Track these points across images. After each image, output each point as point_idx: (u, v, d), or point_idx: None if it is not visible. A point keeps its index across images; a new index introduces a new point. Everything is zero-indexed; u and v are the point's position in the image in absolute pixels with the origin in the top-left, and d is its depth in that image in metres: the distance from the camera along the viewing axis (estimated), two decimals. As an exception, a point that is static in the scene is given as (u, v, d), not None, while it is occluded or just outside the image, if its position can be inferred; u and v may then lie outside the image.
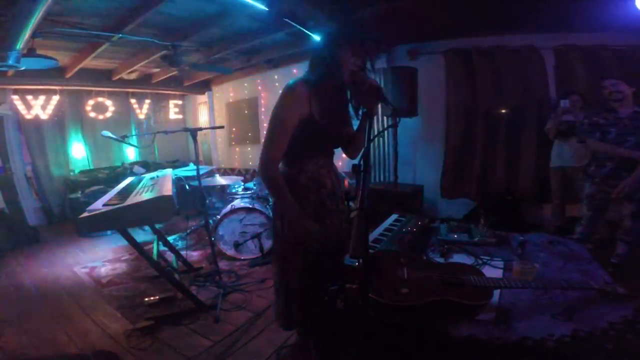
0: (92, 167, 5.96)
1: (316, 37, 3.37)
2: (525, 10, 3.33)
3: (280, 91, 1.38)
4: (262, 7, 2.59)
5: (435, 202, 4.45)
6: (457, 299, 1.04)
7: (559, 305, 1.10)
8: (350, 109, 1.48)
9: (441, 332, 1.00)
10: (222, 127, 3.13)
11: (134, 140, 5.44)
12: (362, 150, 0.98)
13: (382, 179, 4.62)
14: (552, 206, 3.70)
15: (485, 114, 4.04)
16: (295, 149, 1.39)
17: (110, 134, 3.08)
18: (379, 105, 3.50)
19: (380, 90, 1.28)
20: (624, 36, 3.36)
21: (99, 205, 2.26)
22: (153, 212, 2.24)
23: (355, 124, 1.53)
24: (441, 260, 1.54)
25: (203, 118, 7.09)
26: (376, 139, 4.48)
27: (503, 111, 4.02)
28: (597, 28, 3.44)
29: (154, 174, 3.36)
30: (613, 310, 1.02)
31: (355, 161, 0.99)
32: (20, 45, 3.02)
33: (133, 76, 5.50)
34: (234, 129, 6.30)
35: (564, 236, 2.92)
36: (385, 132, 4.42)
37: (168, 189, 2.38)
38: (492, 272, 1.40)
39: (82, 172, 5.76)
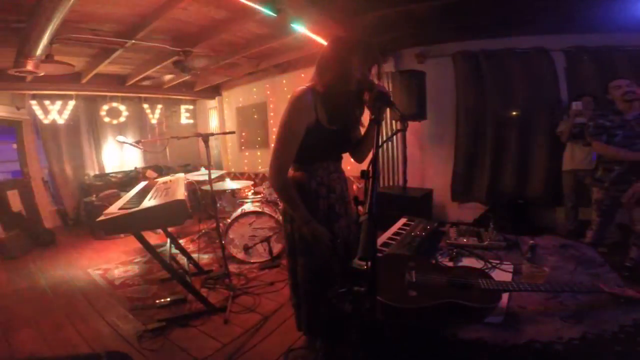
0: (106, 171, 6.10)
1: (324, 43, 3.40)
2: (535, 12, 3.31)
3: (289, 96, 1.40)
4: (270, 13, 2.63)
5: (445, 206, 4.42)
6: (465, 301, 1.05)
7: (569, 308, 1.09)
8: (357, 114, 1.50)
9: (449, 335, 1.00)
10: (232, 132, 3.19)
11: (147, 145, 5.55)
12: (371, 155, 1.00)
13: (391, 182, 4.60)
14: (565, 210, 3.64)
15: (495, 117, 4.01)
16: (306, 155, 1.41)
17: (125, 139, 3.17)
18: (387, 110, 3.50)
19: (387, 96, 1.30)
20: (636, 37, 3.31)
21: (115, 209, 2.33)
22: (167, 215, 2.30)
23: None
24: (450, 264, 1.54)
25: (213, 123, 7.19)
26: (385, 143, 4.49)
27: (513, 114, 3.98)
28: (608, 29, 3.39)
29: (166, 178, 3.43)
30: (624, 314, 1.01)
31: (364, 166, 1.01)
32: (38, 51, 3.13)
33: (147, 82, 5.63)
34: (243, 134, 6.37)
35: (577, 240, 2.88)
36: (394, 136, 4.41)
37: (181, 193, 2.44)
38: (502, 275, 1.39)
39: (96, 176, 5.90)
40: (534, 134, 3.89)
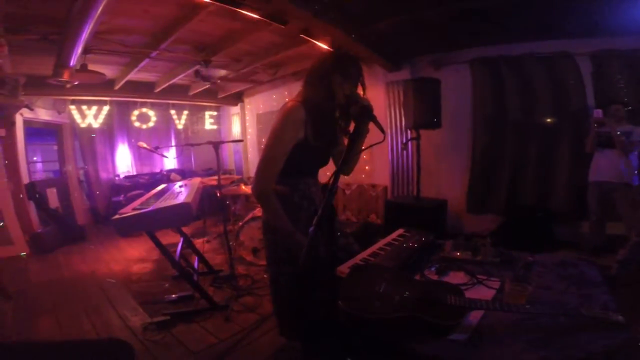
0: (134, 173, 6.48)
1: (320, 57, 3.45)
2: (557, 14, 3.15)
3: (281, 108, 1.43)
4: (279, 24, 2.71)
5: (461, 218, 4.29)
6: (426, 316, 1.04)
7: (545, 331, 1.04)
8: (342, 129, 1.51)
9: (407, 349, 1.00)
10: (241, 140, 3.37)
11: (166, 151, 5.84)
12: (337, 169, 1.02)
13: (404, 192, 4.53)
14: (590, 224, 3.41)
15: (514, 126, 3.85)
16: (288, 168, 1.42)
17: (145, 145, 3.39)
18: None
19: (370, 110, 1.31)
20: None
21: (129, 209, 2.51)
22: (174, 217, 2.45)
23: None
24: (436, 277, 1.51)
25: (236, 129, 7.43)
26: (399, 151, 4.44)
27: (534, 122, 3.79)
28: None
29: (183, 182, 3.61)
30: (597, 339, 0.96)
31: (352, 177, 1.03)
32: (73, 61, 3.41)
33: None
34: (263, 140, 6.52)
35: (602, 256, 2.66)
36: (408, 144, 4.35)
37: (190, 197, 2.57)
38: (485, 292, 1.35)
39: (125, 177, 6.29)
40: (558, 143, 3.69)
